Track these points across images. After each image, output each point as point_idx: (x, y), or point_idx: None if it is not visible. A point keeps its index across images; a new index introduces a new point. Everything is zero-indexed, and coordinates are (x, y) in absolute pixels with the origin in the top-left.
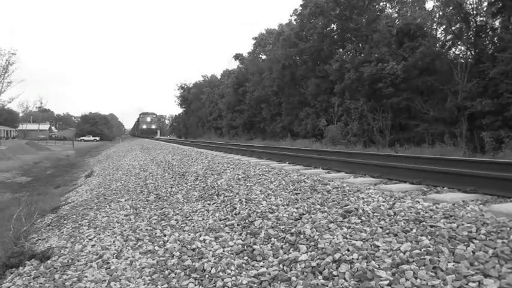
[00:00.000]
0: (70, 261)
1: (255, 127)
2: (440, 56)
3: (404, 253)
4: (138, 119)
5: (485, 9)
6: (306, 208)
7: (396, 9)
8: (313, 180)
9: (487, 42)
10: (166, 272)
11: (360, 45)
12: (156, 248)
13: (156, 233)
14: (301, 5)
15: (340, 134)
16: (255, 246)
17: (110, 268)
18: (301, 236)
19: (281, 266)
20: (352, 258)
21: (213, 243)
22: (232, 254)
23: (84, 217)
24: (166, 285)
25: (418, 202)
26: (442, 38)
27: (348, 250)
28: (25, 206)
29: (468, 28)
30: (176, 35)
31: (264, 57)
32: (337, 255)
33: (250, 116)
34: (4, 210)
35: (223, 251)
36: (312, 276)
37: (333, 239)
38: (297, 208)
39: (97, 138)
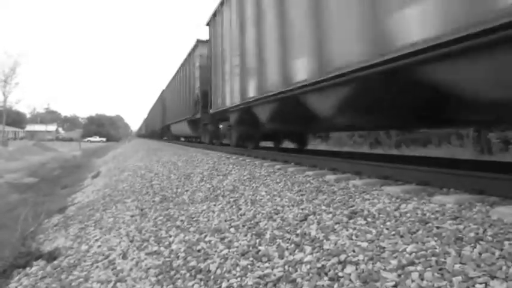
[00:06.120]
0: (76, 261)
1: None
2: None
3: (410, 254)
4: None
5: None
6: (311, 209)
7: None
8: (319, 181)
9: None
10: (172, 272)
11: None
12: (162, 248)
13: (161, 234)
14: None
15: (346, 134)
16: (260, 247)
17: (116, 269)
18: (307, 237)
19: (286, 267)
20: (358, 260)
21: (219, 244)
22: (237, 255)
23: (91, 218)
24: (171, 286)
25: (424, 203)
26: None
27: (354, 251)
28: (32, 206)
29: None
30: (184, 35)
31: None
32: (342, 257)
33: None
34: (12, 211)
35: (229, 251)
36: (318, 277)
37: (339, 240)
38: (302, 209)
39: (103, 139)
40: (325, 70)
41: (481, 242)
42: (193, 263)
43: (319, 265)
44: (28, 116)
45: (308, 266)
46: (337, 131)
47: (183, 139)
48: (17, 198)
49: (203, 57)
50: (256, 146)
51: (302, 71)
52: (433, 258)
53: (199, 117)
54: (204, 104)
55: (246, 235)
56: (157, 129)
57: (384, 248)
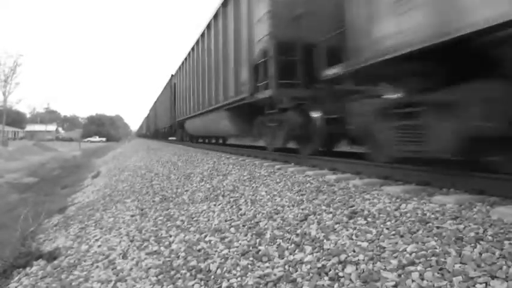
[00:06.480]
0: (77, 261)
1: None
2: None
3: (410, 254)
4: None
5: None
6: (311, 209)
7: None
8: (319, 181)
9: None
10: (172, 272)
11: None
12: (162, 248)
13: (161, 234)
14: None
15: None
16: (260, 247)
17: (116, 268)
18: (307, 237)
19: (286, 267)
20: (358, 259)
21: (219, 244)
22: (237, 254)
23: (91, 217)
24: (172, 286)
25: (425, 203)
26: None
27: (354, 251)
28: (32, 206)
29: None
30: (183, 35)
31: None
32: (342, 256)
33: None
34: (12, 211)
35: (229, 251)
36: (318, 277)
37: (339, 240)
38: (302, 209)
39: (103, 139)
40: None
41: (481, 242)
42: (193, 263)
43: (319, 265)
44: (28, 116)
45: (308, 266)
46: None
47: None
48: (17, 198)
49: None
50: None
51: None
52: (434, 258)
53: (270, 95)
54: (283, 69)
55: (246, 235)
56: (163, 127)
57: (384, 247)
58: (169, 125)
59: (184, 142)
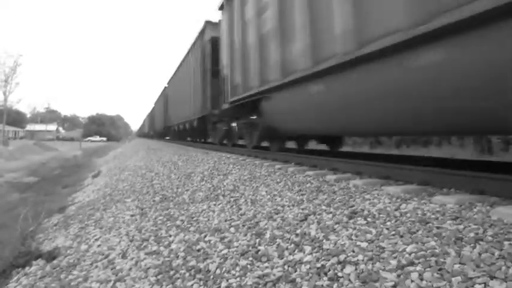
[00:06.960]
0: (76, 261)
1: None
2: None
3: (409, 254)
4: None
5: None
6: (311, 209)
7: None
8: (319, 181)
9: None
10: (171, 272)
11: None
12: (161, 248)
13: (161, 234)
14: None
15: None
16: (260, 247)
17: (115, 268)
18: (307, 237)
19: (286, 267)
20: (358, 260)
21: (218, 243)
22: (237, 254)
23: (91, 217)
24: (171, 286)
25: (425, 203)
26: None
27: (353, 251)
28: (32, 206)
29: None
30: (183, 34)
31: None
32: (342, 257)
33: None
34: (12, 210)
35: (228, 251)
36: (317, 277)
37: (338, 240)
38: (302, 209)
39: (104, 138)
40: None
41: (480, 242)
42: (192, 263)
43: (318, 265)
44: (28, 115)
45: (308, 266)
46: None
47: None
48: (17, 197)
49: None
50: None
51: None
52: (433, 259)
53: None
54: None
55: (245, 235)
56: (181, 122)
57: (384, 248)
58: (197, 117)
59: (189, 142)
